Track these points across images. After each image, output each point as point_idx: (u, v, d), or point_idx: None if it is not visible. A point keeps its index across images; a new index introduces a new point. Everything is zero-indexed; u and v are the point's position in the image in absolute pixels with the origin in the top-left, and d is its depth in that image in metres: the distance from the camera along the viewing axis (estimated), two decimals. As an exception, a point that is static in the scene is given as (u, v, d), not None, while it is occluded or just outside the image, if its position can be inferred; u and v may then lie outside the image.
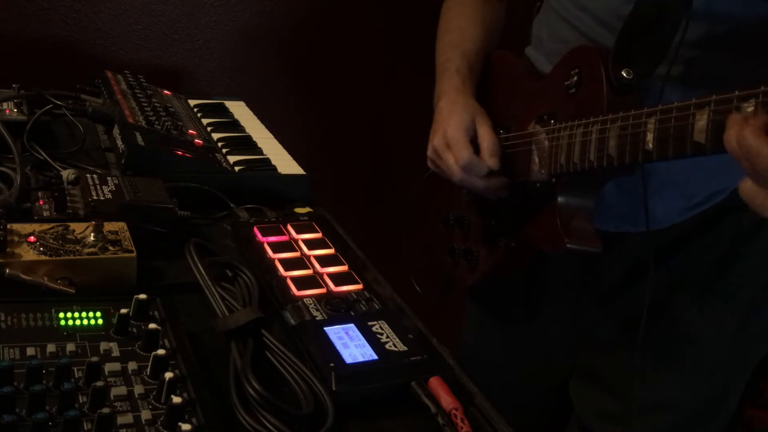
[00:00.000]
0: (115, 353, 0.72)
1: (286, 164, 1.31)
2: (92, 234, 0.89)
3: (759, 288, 1.07)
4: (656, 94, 0.90)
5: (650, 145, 0.80)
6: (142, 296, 0.78)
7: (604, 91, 0.91)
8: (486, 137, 1.04)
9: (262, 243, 1.03)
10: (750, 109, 0.69)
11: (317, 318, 0.87)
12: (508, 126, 1.09)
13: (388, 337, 0.85)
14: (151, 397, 0.67)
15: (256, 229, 1.06)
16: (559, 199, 0.97)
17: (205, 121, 1.46)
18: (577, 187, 0.97)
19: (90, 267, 0.86)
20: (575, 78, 0.96)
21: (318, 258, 1.01)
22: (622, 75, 0.90)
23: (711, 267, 1.06)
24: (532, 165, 1.01)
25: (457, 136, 1.04)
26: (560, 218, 0.96)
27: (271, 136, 1.45)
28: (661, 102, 0.80)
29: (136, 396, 0.67)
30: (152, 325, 0.75)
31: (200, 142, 1.30)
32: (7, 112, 1.23)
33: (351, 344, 0.82)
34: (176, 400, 0.64)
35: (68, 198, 0.99)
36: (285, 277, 0.95)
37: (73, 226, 0.91)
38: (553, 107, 1.00)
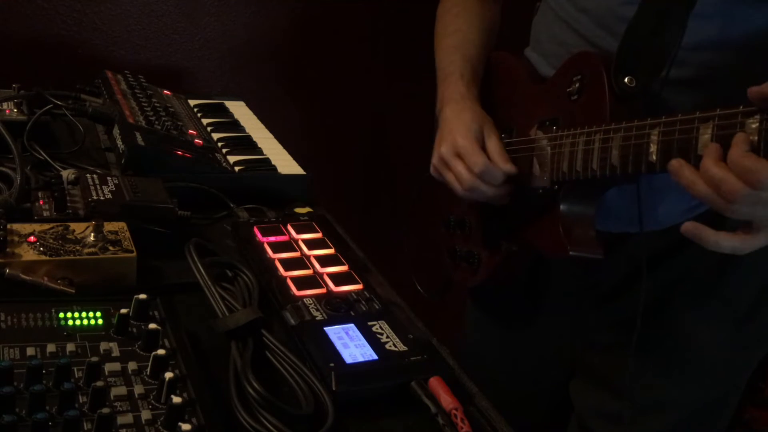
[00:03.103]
0: (115, 353, 0.72)
1: (286, 164, 1.31)
2: (92, 234, 0.89)
3: (757, 290, 1.07)
4: (666, 99, 0.90)
5: (654, 157, 0.80)
6: (142, 296, 0.78)
7: (606, 99, 0.90)
8: (495, 146, 1.03)
9: (262, 243, 1.03)
10: (755, 125, 0.69)
11: (317, 318, 0.87)
12: (509, 129, 1.08)
13: (388, 337, 0.85)
14: (151, 397, 0.67)
15: (256, 229, 1.06)
16: (562, 206, 0.97)
17: (205, 121, 1.46)
18: (579, 194, 0.97)
19: (90, 267, 0.86)
20: (577, 85, 0.95)
21: (318, 258, 1.01)
22: (625, 83, 0.90)
23: (710, 269, 1.06)
24: (534, 171, 1.01)
25: (467, 144, 1.02)
26: (563, 226, 0.96)
27: (271, 136, 1.45)
28: (667, 109, 0.80)
29: (136, 396, 0.67)
30: (152, 325, 0.75)
31: (200, 142, 1.30)
32: (7, 112, 1.23)
33: (351, 344, 0.82)
34: (176, 400, 0.64)
35: (68, 198, 0.99)
36: (285, 277, 0.95)
37: (73, 226, 0.91)
38: (554, 113, 1.00)
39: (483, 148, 1.03)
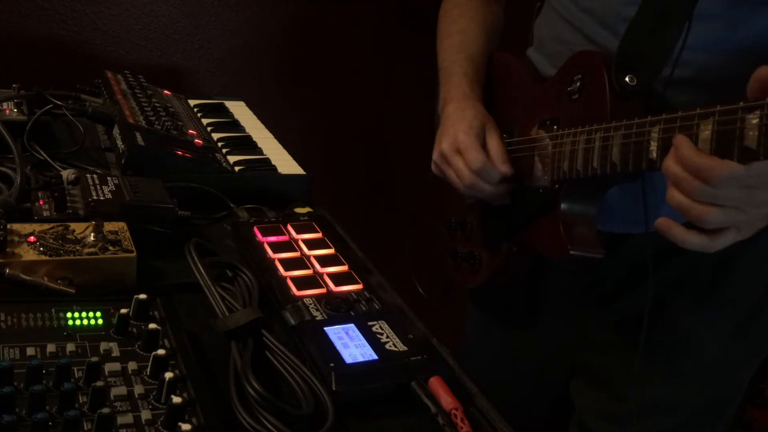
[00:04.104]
0: (115, 353, 0.72)
1: (286, 164, 1.31)
2: (92, 234, 0.89)
3: (759, 292, 1.07)
4: (668, 100, 0.90)
5: (654, 154, 0.80)
6: (142, 296, 0.78)
7: (607, 98, 0.90)
8: (495, 146, 1.03)
9: (262, 243, 1.03)
10: (755, 121, 0.69)
11: (317, 318, 0.87)
12: (510, 130, 1.08)
13: (388, 337, 0.85)
14: (151, 397, 0.67)
15: (256, 229, 1.06)
16: (562, 205, 0.97)
17: (205, 121, 1.46)
18: (580, 194, 0.97)
19: (90, 267, 0.86)
20: (578, 84, 0.95)
21: (318, 258, 1.01)
22: (626, 81, 0.90)
23: (711, 270, 1.06)
24: (535, 170, 1.01)
25: (468, 141, 1.02)
26: (563, 225, 0.96)
27: (271, 136, 1.45)
28: (668, 109, 0.80)
29: (136, 396, 0.67)
30: (152, 325, 0.75)
31: (200, 142, 1.30)
32: (7, 112, 1.23)
33: (351, 344, 0.82)
34: (176, 400, 0.64)
35: (68, 198, 0.99)
36: (285, 277, 0.95)
37: (73, 226, 0.91)
38: (555, 113, 1.00)
39: (484, 146, 1.03)
